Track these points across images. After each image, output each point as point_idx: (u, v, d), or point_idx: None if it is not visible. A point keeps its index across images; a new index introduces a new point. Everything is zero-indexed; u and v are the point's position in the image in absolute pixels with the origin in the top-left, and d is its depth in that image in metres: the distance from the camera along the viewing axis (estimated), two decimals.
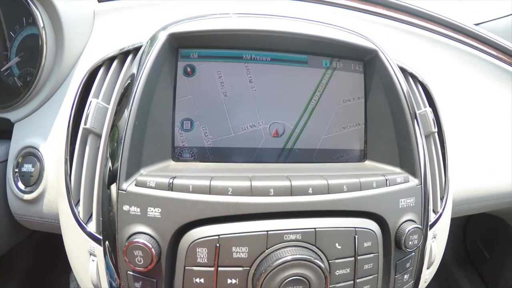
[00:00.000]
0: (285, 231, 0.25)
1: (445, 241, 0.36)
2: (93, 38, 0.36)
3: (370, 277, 0.28)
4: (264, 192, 0.25)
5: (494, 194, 0.40)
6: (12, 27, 0.39)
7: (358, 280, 0.28)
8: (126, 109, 0.27)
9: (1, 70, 0.39)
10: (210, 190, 0.25)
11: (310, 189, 0.25)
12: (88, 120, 0.28)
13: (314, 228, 0.25)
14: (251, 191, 0.25)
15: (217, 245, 0.24)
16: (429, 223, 0.32)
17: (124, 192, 0.25)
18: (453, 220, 0.91)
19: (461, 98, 0.42)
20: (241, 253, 0.24)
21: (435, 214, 0.33)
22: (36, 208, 0.33)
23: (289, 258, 0.24)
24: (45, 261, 0.80)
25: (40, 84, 0.34)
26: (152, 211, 0.25)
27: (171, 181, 0.25)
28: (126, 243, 0.24)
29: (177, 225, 0.24)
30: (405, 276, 0.31)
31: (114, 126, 0.27)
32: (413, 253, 0.30)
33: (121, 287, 0.27)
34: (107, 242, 0.26)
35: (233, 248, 0.24)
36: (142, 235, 0.25)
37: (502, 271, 0.75)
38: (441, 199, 0.34)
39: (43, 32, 0.33)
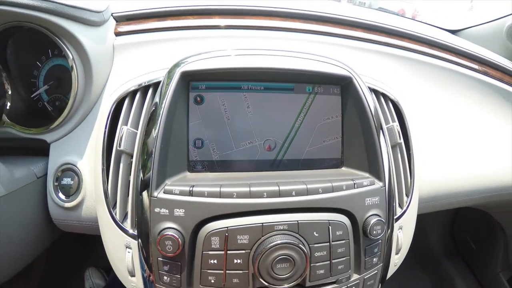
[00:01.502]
0: (275, 223, 0.40)
1: (412, 231, 0.51)
2: (114, 69, 0.51)
3: (343, 258, 0.44)
4: (259, 195, 0.41)
5: (460, 192, 0.56)
6: (39, 57, 0.55)
7: (333, 261, 0.44)
8: (153, 131, 0.42)
9: (31, 96, 0.55)
10: (220, 195, 0.40)
11: (293, 192, 0.41)
12: (122, 143, 0.44)
13: (297, 221, 0.41)
14: (250, 194, 0.40)
15: (226, 234, 0.40)
16: (395, 217, 0.48)
17: (156, 198, 0.41)
18: (441, 215, 1.09)
19: (431, 106, 0.58)
20: (243, 240, 0.40)
21: (401, 209, 0.49)
22: (75, 213, 0.49)
23: (278, 242, 0.39)
24: (61, 261, 0.97)
25: (73, 111, 0.49)
26: (177, 212, 0.40)
27: (191, 189, 0.41)
28: (159, 236, 0.40)
29: (197, 221, 0.40)
30: (374, 259, 0.47)
31: (144, 145, 0.43)
32: (380, 241, 0.46)
33: (153, 271, 0.43)
34: (142, 237, 0.42)
35: (238, 236, 0.40)
36: (170, 229, 0.40)
37: (489, 262, 0.92)
38: (407, 196, 0.50)
39: (74, 64, 0.48)
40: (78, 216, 0.48)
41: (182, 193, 0.41)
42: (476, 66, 0.62)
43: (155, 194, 0.41)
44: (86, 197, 0.48)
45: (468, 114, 0.60)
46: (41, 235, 0.52)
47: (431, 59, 0.58)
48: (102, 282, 0.98)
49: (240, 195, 0.40)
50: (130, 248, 0.44)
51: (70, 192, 0.48)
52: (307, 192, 0.42)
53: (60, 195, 0.48)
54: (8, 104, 0.51)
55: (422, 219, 1.16)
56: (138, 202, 0.42)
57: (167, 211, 0.40)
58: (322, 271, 0.43)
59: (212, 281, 0.42)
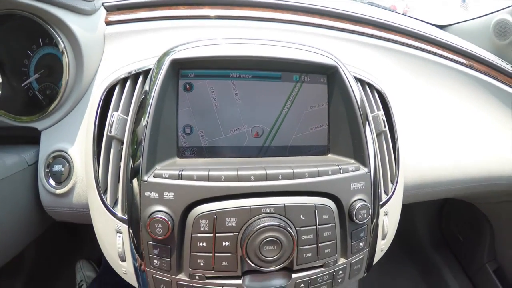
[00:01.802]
0: (262, 206, 0.41)
1: (397, 218, 0.53)
2: (104, 58, 0.52)
3: (330, 242, 0.46)
4: (247, 178, 0.42)
5: (445, 181, 0.58)
6: (29, 46, 0.55)
7: (320, 244, 0.45)
8: (143, 119, 0.43)
9: (22, 85, 0.56)
10: (208, 178, 0.41)
11: (280, 175, 0.43)
12: (112, 129, 0.45)
13: (284, 204, 0.42)
14: (238, 178, 0.42)
15: (215, 217, 0.41)
16: (380, 203, 0.50)
17: (146, 182, 0.42)
18: (429, 207, 1.12)
19: (416, 97, 0.60)
20: (231, 222, 0.41)
21: (387, 195, 0.51)
22: (66, 200, 0.50)
23: (265, 224, 0.40)
24: (52, 254, 0.98)
25: (64, 99, 0.50)
26: (167, 195, 0.42)
27: (180, 172, 0.42)
28: (148, 219, 0.41)
29: (186, 204, 0.41)
30: (360, 244, 0.48)
31: (134, 133, 0.44)
32: (365, 226, 0.48)
33: (143, 255, 0.44)
34: (132, 221, 0.43)
35: (226, 219, 0.41)
36: (160, 212, 0.41)
37: (475, 253, 0.96)
38: (392, 183, 0.52)
39: (65, 52, 0.49)
40: (69, 202, 0.49)
41: (171, 177, 0.42)
42: (462, 60, 0.64)
43: (145, 178, 0.42)
44: (77, 184, 0.49)
45: (453, 106, 0.62)
46: (32, 223, 0.53)
47: (417, 51, 0.60)
48: (93, 274, 0.98)
49: (228, 179, 0.42)
50: (120, 232, 0.45)
51: (61, 178, 0.49)
52: (294, 176, 0.43)
53: (51, 181, 0.49)
54: None
55: (410, 211, 1.20)
56: (128, 187, 0.43)
57: (156, 194, 0.41)
58: (309, 255, 0.45)
59: (202, 264, 0.43)
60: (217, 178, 0.42)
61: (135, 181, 0.42)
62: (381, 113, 0.50)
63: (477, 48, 0.72)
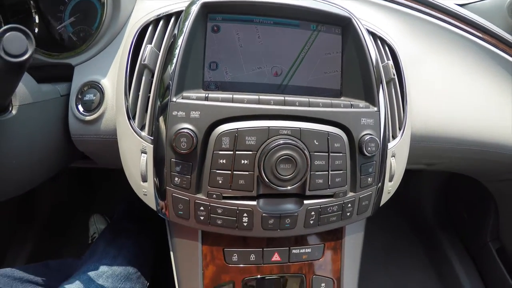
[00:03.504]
0: (280, 127, 0.47)
1: (404, 162, 0.58)
2: (138, 2, 0.60)
3: (341, 171, 0.51)
4: (267, 102, 0.48)
5: (451, 137, 0.64)
6: None
7: (331, 172, 0.50)
8: (174, 52, 0.50)
9: (57, 28, 0.63)
10: (232, 100, 0.48)
11: (297, 102, 0.49)
12: (146, 58, 0.51)
13: (299, 128, 0.48)
14: (259, 101, 0.48)
15: (236, 135, 0.47)
16: (388, 143, 0.55)
17: (174, 102, 0.48)
18: (435, 184, 1.17)
19: (424, 56, 0.66)
20: (251, 141, 0.47)
21: (394, 139, 0.57)
22: (94, 127, 0.55)
23: (281, 142, 0.46)
24: (66, 207, 1.04)
25: (99, 36, 0.57)
26: (193, 114, 0.47)
27: (206, 95, 0.48)
28: (174, 135, 0.47)
29: (210, 122, 0.47)
30: (369, 179, 0.53)
31: (165, 64, 0.50)
32: (374, 161, 0.53)
33: (165, 172, 0.49)
34: (158, 139, 0.49)
35: (246, 137, 0.47)
36: (185, 129, 0.47)
37: (479, 231, 0.99)
38: (400, 129, 0.57)
39: None
40: (96, 129, 0.55)
41: (198, 99, 0.48)
42: (471, 30, 0.72)
43: (174, 99, 0.48)
44: (107, 111, 0.55)
45: (459, 72, 0.69)
46: (58, 155, 0.59)
47: (429, 18, 0.68)
48: None
49: (250, 101, 0.48)
50: (145, 152, 0.50)
51: (92, 106, 0.55)
52: (309, 104, 0.49)
53: (82, 109, 0.55)
54: (36, 29, 0.59)
55: (416, 187, 1.24)
56: (157, 108, 0.49)
57: (184, 113, 0.47)
58: (321, 181, 0.50)
59: (220, 181, 0.48)
60: (240, 101, 0.48)
61: (164, 102, 0.48)
62: (390, 63, 0.57)
63: (488, 23, 0.78)
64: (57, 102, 0.56)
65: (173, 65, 0.49)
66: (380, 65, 0.56)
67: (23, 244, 0.99)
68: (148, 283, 0.74)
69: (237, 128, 0.47)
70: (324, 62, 0.56)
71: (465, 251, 1.06)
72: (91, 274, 0.63)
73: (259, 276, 0.56)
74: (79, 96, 0.55)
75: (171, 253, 0.57)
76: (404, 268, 1.11)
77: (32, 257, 1.02)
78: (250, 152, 0.47)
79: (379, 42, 0.59)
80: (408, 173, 0.62)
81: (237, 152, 0.47)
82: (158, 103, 0.49)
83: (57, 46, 0.61)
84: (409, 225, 1.21)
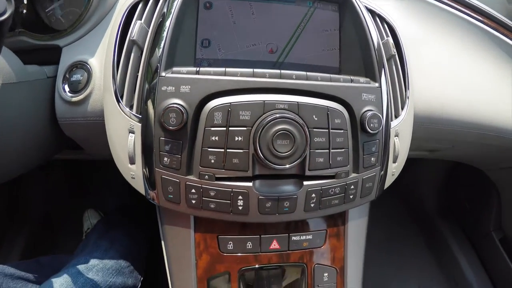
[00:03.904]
0: (276, 101, 0.44)
1: (408, 143, 0.55)
2: None
3: (342, 150, 0.47)
4: (262, 75, 0.45)
5: (454, 119, 0.61)
6: None
7: (332, 150, 0.47)
8: (164, 27, 0.47)
9: (46, 10, 0.61)
10: (225, 73, 0.45)
11: (294, 75, 0.46)
12: (134, 34, 0.49)
13: (297, 102, 0.45)
14: (253, 74, 0.45)
15: (229, 109, 0.44)
16: (391, 121, 0.52)
17: (164, 77, 0.45)
18: (437, 174, 1.13)
19: (424, 39, 0.64)
20: (245, 116, 0.44)
21: (397, 118, 0.53)
22: (81, 108, 0.52)
23: (277, 115, 0.43)
24: (60, 204, 1.02)
25: (88, 16, 0.55)
26: (183, 88, 0.44)
27: (197, 69, 0.45)
28: (163, 111, 0.43)
29: (202, 96, 0.44)
30: (372, 159, 0.50)
31: (155, 39, 0.48)
32: (377, 140, 0.50)
33: (153, 152, 0.46)
34: (147, 116, 0.45)
35: (240, 112, 0.44)
36: (175, 104, 0.44)
37: (481, 221, 0.95)
38: (402, 108, 0.54)
39: None
40: (83, 111, 0.52)
41: (189, 72, 0.45)
42: (472, 13, 0.70)
43: (163, 74, 0.45)
44: (94, 91, 0.52)
45: (463, 54, 0.67)
46: (44, 138, 0.55)
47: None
48: None
49: (244, 75, 0.45)
50: (133, 132, 0.47)
51: (79, 87, 0.52)
52: (307, 77, 0.46)
53: (68, 89, 0.52)
54: (24, 11, 0.57)
55: (418, 177, 1.21)
56: (145, 85, 0.46)
57: (173, 88, 0.44)
58: (321, 160, 0.46)
59: (212, 161, 0.45)
60: (234, 74, 0.45)
61: (152, 77, 0.45)
62: (390, 39, 0.54)
63: (488, 8, 0.76)
64: (43, 84, 0.53)
65: (163, 41, 0.46)
66: (380, 42, 0.54)
67: (15, 241, 0.98)
68: (142, 278, 0.70)
69: (230, 103, 0.44)
70: (321, 39, 0.53)
71: (467, 241, 1.04)
72: (81, 267, 0.59)
73: (256, 266, 0.51)
74: (66, 76, 0.53)
75: (162, 242, 0.53)
76: (405, 257, 1.08)
77: (25, 254, 1.00)
78: (245, 128, 0.44)
79: (377, 19, 0.57)
80: (409, 162, 0.59)
81: (230, 128, 0.44)
82: (147, 79, 0.46)
83: (46, 30, 0.58)
84: (411, 215, 1.19)
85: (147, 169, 0.46)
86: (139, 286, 0.68)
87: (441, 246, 1.10)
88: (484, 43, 0.68)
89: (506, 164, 0.81)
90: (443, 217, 1.14)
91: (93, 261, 0.62)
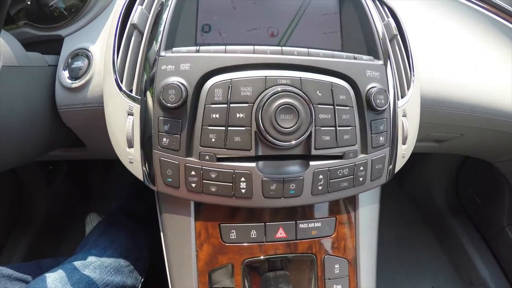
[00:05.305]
0: (278, 76, 0.42)
1: (417, 123, 0.52)
2: None
3: (349, 127, 0.44)
4: (263, 51, 0.43)
5: (460, 102, 0.58)
6: None
7: (339, 128, 0.44)
8: (164, 12, 0.46)
9: (49, 4, 0.62)
10: (225, 51, 0.43)
11: (296, 52, 0.44)
12: (135, 18, 0.48)
13: (300, 77, 0.43)
14: (254, 51, 0.43)
15: (230, 85, 0.41)
16: (398, 100, 0.49)
17: (163, 56, 0.43)
18: (446, 170, 1.08)
19: (426, 23, 0.63)
20: (247, 92, 0.41)
21: (403, 98, 0.51)
22: (81, 95, 0.51)
23: (279, 89, 0.41)
24: (63, 209, 0.99)
25: (90, 6, 0.55)
26: (183, 66, 0.43)
27: (198, 48, 0.44)
28: (162, 88, 0.41)
29: (202, 73, 0.42)
30: (381, 138, 0.46)
31: (155, 22, 0.47)
32: (385, 118, 0.47)
33: (152, 133, 0.43)
34: (146, 96, 0.43)
35: (241, 88, 0.41)
36: (174, 82, 0.42)
37: (494, 216, 0.88)
38: (408, 88, 0.52)
39: None
40: (83, 98, 0.50)
41: (189, 51, 0.44)
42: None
43: (163, 53, 0.43)
44: (94, 76, 0.50)
45: (465, 37, 0.65)
46: (43, 127, 0.53)
47: None
48: None
49: (244, 51, 0.44)
50: (132, 114, 0.45)
51: (79, 74, 0.51)
52: (309, 54, 0.44)
53: (68, 75, 0.51)
54: (28, 2, 0.57)
55: (427, 175, 1.15)
56: (146, 65, 0.44)
57: (173, 67, 0.43)
58: (327, 138, 0.43)
59: (213, 140, 0.42)
60: (234, 51, 0.43)
61: (152, 57, 0.44)
62: (391, 20, 0.53)
63: None
64: (44, 71, 0.52)
65: (163, 24, 0.45)
66: (381, 22, 0.52)
67: (18, 245, 0.96)
68: (142, 279, 0.64)
69: (230, 79, 0.42)
70: (322, 22, 0.52)
71: (481, 238, 0.96)
72: (77, 263, 0.55)
73: (262, 257, 0.47)
74: (68, 63, 0.52)
75: (161, 234, 0.49)
76: (418, 258, 1.01)
77: (27, 258, 0.98)
78: (246, 105, 0.41)
79: (377, 2, 0.56)
80: (417, 158, 0.56)
81: (231, 105, 0.41)
82: (147, 61, 0.44)
83: (48, 22, 0.58)
84: (421, 214, 1.12)
85: (145, 152, 0.44)
86: (139, 287, 0.63)
87: (454, 245, 1.04)
88: (486, 26, 0.66)
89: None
90: (454, 215, 1.09)
91: (91, 258, 0.58)
